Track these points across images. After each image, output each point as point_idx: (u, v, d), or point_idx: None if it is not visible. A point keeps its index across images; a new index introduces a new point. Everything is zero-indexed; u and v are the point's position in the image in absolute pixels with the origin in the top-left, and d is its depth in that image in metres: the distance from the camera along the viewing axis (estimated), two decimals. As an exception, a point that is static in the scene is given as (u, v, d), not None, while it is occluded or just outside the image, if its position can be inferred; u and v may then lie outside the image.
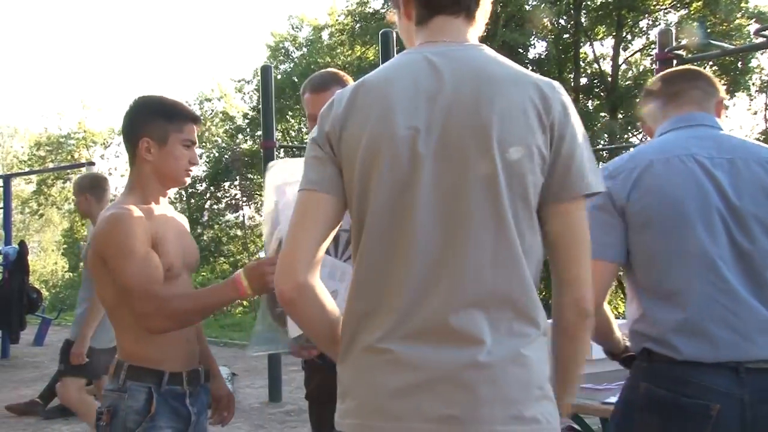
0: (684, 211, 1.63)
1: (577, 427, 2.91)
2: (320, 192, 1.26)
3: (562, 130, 1.22)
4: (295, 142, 18.55)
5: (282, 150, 16.38)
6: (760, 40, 5.75)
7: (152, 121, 1.97)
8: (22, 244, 9.05)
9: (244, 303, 13.90)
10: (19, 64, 57.03)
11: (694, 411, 1.58)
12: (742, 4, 15.71)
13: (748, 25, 15.59)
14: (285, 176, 1.83)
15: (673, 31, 6.07)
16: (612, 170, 1.73)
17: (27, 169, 22.69)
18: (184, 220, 2.16)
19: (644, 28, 18.09)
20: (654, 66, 6.86)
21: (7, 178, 10.46)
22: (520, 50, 17.02)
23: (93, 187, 4.07)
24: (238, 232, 22.54)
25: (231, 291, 1.81)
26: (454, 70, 1.24)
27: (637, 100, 17.59)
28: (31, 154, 24.99)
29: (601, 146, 16.73)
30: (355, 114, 1.26)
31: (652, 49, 15.81)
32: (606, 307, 1.76)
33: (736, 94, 16.09)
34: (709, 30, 15.22)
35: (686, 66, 1.94)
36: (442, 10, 1.32)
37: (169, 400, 1.92)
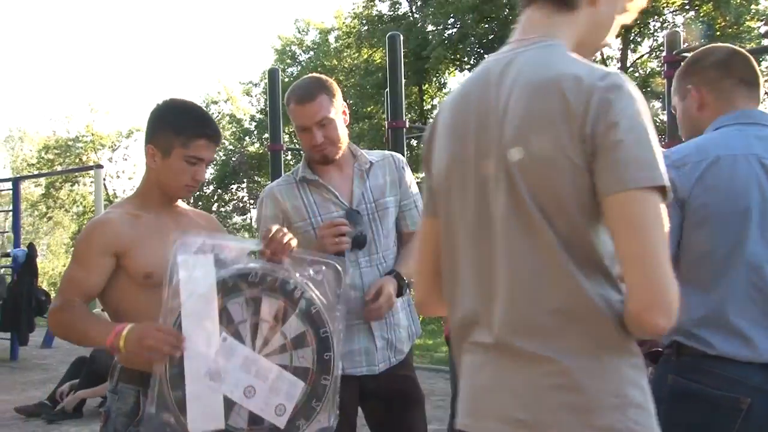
0: (745, 213, 1.60)
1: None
2: (424, 217, 1.37)
3: (604, 131, 1.09)
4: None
5: (289, 152, 16.39)
6: (770, 41, 5.70)
7: (161, 130, 1.94)
8: (31, 247, 9.09)
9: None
10: (27, 68, 57.45)
11: (723, 404, 1.58)
12: (752, 6, 15.65)
13: (758, 27, 15.53)
14: (193, 253, 1.76)
15: (682, 33, 6.05)
16: (676, 160, 1.65)
17: (36, 172, 22.82)
18: (200, 224, 2.10)
19: (653, 30, 18.05)
20: (662, 68, 6.84)
21: (16, 181, 10.48)
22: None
23: None
24: (246, 235, 22.58)
25: (107, 335, 1.74)
26: (509, 80, 1.18)
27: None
28: (39, 157, 25.12)
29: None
30: (435, 136, 1.31)
31: (661, 51, 15.76)
32: None
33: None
34: (718, 32, 15.15)
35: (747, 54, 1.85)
36: (530, 1, 1.25)
37: None
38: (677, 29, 12.92)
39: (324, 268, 1.84)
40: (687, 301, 1.64)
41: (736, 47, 1.87)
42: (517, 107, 1.15)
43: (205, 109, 2.11)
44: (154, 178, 1.98)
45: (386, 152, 2.45)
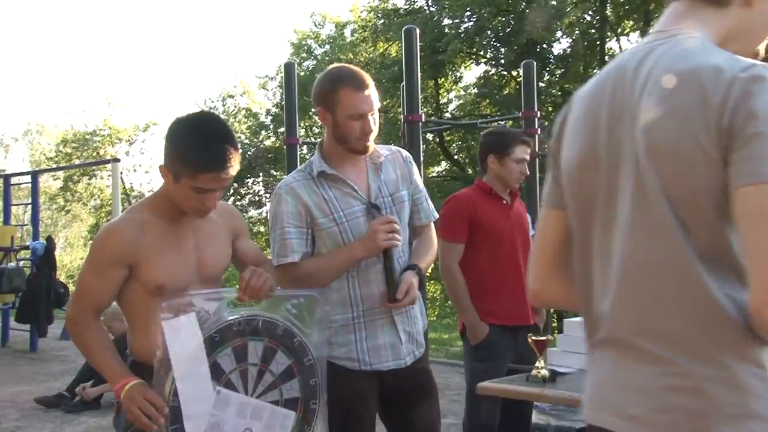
0: None
1: None
2: (546, 209, 1.34)
3: (742, 123, 1.03)
4: (318, 139, 18.56)
5: (305, 146, 16.43)
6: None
7: (171, 155, 1.87)
8: (50, 240, 9.17)
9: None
10: (45, 62, 57.89)
11: None
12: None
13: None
14: (179, 321, 1.83)
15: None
16: None
17: (54, 166, 23.02)
18: (220, 225, 2.09)
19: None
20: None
21: (35, 175, 10.58)
22: (544, 46, 16.89)
23: None
24: (261, 228, 22.65)
25: (116, 381, 1.89)
26: (645, 72, 1.15)
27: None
28: (57, 151, 25.34)
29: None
30: (565, 128, 1.28)
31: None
32: None
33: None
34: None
35: None
36: None
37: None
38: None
39: (302, 300, 1.97)
40: None
41: None
42: (652, 99, 1.11)
43: (222, 129, 1.94)
44: (167, 190, 1.95)
45: (392, 147, 2.46)
